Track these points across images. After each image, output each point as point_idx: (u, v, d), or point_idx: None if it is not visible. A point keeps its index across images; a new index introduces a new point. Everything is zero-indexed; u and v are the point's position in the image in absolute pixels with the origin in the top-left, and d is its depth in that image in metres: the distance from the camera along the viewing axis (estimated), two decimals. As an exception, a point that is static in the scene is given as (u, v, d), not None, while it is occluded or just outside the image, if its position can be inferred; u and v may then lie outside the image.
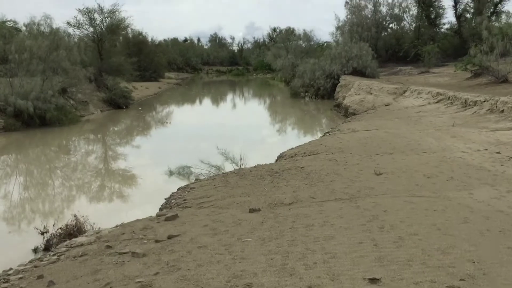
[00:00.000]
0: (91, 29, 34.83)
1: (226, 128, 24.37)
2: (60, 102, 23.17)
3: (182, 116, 32.26)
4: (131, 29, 56.20)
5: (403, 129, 15.45)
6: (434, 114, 18.67)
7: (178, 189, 9.89)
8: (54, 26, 26.09)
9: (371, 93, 26.50)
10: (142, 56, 54.45)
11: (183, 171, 13.21)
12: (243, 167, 12.31)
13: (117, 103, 31.35)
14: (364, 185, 8.63)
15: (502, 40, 23.42)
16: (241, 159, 12.59)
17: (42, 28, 25.84)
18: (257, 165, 11.31)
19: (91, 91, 31.42)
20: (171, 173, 13.27)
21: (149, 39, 63.48)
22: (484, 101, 17.85)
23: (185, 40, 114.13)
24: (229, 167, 12.86)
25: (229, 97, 49.41)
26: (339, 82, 35.39)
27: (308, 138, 20.63)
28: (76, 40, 30.30)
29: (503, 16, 54.93)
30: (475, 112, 17.57)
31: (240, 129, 24.16)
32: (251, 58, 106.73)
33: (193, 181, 10.27)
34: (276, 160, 12.77)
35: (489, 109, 17.19)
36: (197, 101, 44.31)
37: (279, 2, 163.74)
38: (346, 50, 37.99)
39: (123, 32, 40.13)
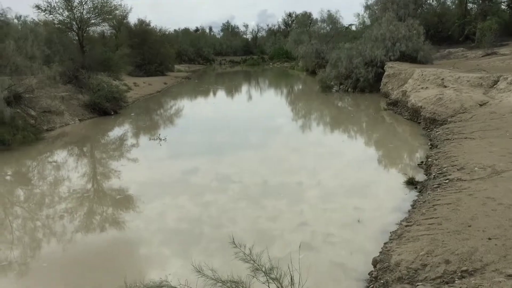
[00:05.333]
0: (66, 13, 27.28)
1: (248, 152, 16.81)
2: (6, 114, 16.05)
3: (186, 124, 24.68)
4: (138, 19, 50.02)
5: None
6: None
7: None
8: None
9: (445, 86, 18.88)
10: (146, 47, 47.48)
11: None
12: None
13: (103, 108, 24.11)
14: None
15: None
16: (291, 280, 5.26)
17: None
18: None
19: (72, 94, 24.33)
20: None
21: (157, 29, 56.20)
22: None
23: (196, 30, 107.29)
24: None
25: (248, 94, 41.05)
26: (384, 70, 27.96)
27: (378, 173, 13.34)
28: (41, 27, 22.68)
29: None
30: None
31: (271, 159, 16.00)
32: (265, 46, 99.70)
33: None
34: (376, 280, 5.32)
35: None
36: (208, 101, 36.52)
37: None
38: (391, 31, 30.26)
39: (110, 17, 32.52)
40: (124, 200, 11.67)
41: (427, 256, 5.09)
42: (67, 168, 15.04)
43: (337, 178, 12.46)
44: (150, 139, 18.56)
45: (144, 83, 39.90)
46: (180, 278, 6.53)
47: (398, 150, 15.43)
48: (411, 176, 10.56)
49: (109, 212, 11.01)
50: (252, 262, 5.39)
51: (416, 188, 10.06)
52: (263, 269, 5.33)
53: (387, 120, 21.11)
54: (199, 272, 5.66)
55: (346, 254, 7.74)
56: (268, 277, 5.29)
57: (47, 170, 15.28)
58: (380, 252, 5.81)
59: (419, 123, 17.59)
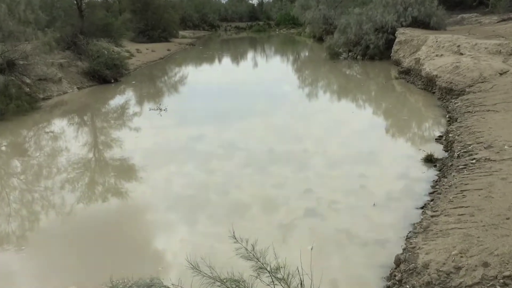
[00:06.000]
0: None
1: (250, 126, 15.80)
2: (-3, 83, 15.28)
3: (190, 91, 23.82)
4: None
5: None
6: None
7: None
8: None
9: (461, 54, 17.85)
10: (149, 13, 46.24)
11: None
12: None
13: (102, 75, 23.24)
14: None
15: None
16: (301, 284, 4.59)
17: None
18: None
19: (70, 61, 23.41)
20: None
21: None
22: None
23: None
24: None
25: (254, 61, 39.56)
26: (396, 37, 26.78)
27: (387, 144, 12.84)
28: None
29: None
30: None
31: (277, 126, 15.46)
32: (272, 12, 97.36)
33: None
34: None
35: None
36: (213, 68, 35.40)
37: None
38: (403, -6, 28.93)
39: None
40: (128, 168, 11.43)
41: (461, 257, 4.33)
42: (66, 138, 14.39)
43: (343, 146, 12.28)
44: (150, 110, 17.73)
45: (147, 49, 38.84)
46: (176, 269, 5.91)
47: (412, 122, 14.62)
48: (429, 153, 9.75)
49: (112, 181, 10.74)
50: (255, 260, 4.66)
51: (435, 166, 9.30)
52: (268, 268, 4.60)
53: (398, 89, 20.15)
54: (195, 269, 4.94)
55: (351, 220, 7.80)
56: (273, 278, 4.58)
57: (45, 140, 14.63)
58: (404, 249, 5.05)
59: (434, 93, 16.68)
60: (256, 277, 4.63)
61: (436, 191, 7.15)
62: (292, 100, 19.60)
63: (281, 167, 10.77)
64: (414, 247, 4.83)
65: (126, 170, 11.40)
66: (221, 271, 6.14)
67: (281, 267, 4.61)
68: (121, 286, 5.31)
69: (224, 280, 4.90)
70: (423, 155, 9.94)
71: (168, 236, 7.79)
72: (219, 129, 14.73)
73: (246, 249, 4.80)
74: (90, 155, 12.75)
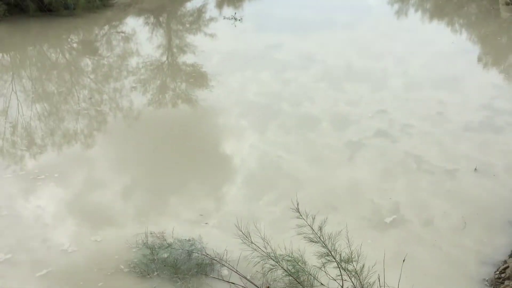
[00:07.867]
0: None
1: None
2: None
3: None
4: None
5: None
6: None
7: None
8: None
9: None
10: None
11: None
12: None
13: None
14: None
15: None
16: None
17: None
18: None
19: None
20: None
21: None
22: None
23: None
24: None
25: None
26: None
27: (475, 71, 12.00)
28: None
29: None
30: None
31: (358, 41, 14.36)
32: None
33: None
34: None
35: None
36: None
37: None
38: None
39: None
40: (203, 73, 11.36)
41: None
42: (138, 39, 14.11)
43: (426, 69, 11.62)
44: (224, 18, 16.99)
45: None
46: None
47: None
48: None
49: (186, 85, 10.80)
50: (322, 243, 3.79)
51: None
52: (337, 258, 3.74)
53: (506, 16, 17.64)
54: (246, 239, 4.22)
55: (422, 146, 7.71)
56: (342, 269, 3.71)
57: (116, 40, 14.34)
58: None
59: None
60: (321, 268, 4.03)
61: None
62: (377, 15, 18.48)
63: (357, 84, 10.51)
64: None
65: (201, 74, 11.29)
66: (282, 190, 6.13)
67: (355, 259, 3.77)
68: (157, 246, 4.90)
69: (280, 257, 4.05)
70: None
71: (238, 141, 7.98)
72: (298, 39, 14.33)
73: (312, 229, 3.91)
74: (164, 58, 12.58)
